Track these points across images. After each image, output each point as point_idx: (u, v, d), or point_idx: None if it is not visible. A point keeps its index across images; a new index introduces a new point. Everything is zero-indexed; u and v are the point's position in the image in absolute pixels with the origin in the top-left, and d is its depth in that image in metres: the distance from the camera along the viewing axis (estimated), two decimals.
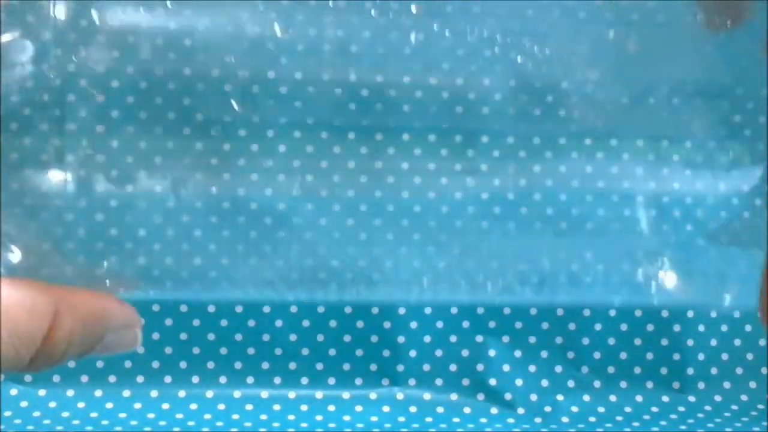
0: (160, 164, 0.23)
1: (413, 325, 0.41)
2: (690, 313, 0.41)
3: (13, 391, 0.40)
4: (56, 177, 0.22)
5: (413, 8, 0.24)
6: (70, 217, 0.22)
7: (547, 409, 0.40)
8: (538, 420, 0.40)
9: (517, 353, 0.41)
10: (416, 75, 0.24)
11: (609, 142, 0.24)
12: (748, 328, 0.41)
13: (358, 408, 0.40)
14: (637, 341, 0.41)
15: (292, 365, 0.41)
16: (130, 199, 0.23)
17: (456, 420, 0.40)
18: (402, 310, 0.41)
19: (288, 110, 0.23)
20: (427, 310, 0.42)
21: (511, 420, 0.40)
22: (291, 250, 0.24)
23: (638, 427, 0.39)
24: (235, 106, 0.23)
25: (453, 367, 0.41)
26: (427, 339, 0.41)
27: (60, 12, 0.22)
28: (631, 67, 0.25)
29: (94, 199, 0.23)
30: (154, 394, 0.41)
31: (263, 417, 0.40)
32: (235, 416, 0.40)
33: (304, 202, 0.24)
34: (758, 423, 0.39)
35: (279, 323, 0.41)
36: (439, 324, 0.41)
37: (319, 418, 0.40)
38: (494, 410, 0.40)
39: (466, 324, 0.41)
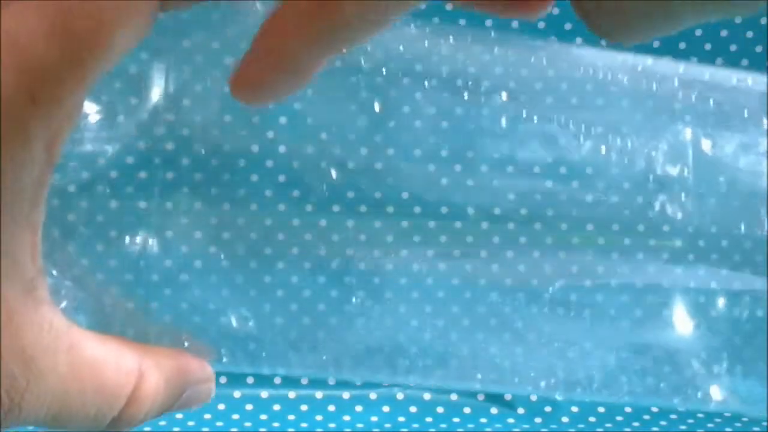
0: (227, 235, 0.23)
1: (413, 323, 0.41)
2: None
3: None
4: (139, 240, 0.22)
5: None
6: (155, 279, 0.23)
7: (547, 409, 0.40)
8: (538, 420, 0.40)
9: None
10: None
11: (648, 242, 0.24)
12: (747, 327, 0.41)
13: (358, 408, 0.40)
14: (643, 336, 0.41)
15: None
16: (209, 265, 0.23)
17: (456, 420, 0.40)
18: (402, 309, 0.41)
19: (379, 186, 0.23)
20: (428, 309, 0.41)
21: (511, 420, 0.40)
22: (347, 335, 0.24)
23: (638, 427, 0.39)
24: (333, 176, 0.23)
25: None
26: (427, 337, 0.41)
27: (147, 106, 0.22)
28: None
29: (178, 262, 0.23)
30: None
31: (263, 417, 0.40)
32: (235, 416, 0.40)
33: (357, 290, 0.24)
34: (758, 423, 0.39)
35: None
36: (440, 322, 0.41)
37: (319, 418, 0.40)
38: (494, 410, 0.40)
39: (466, 322, 0.41)
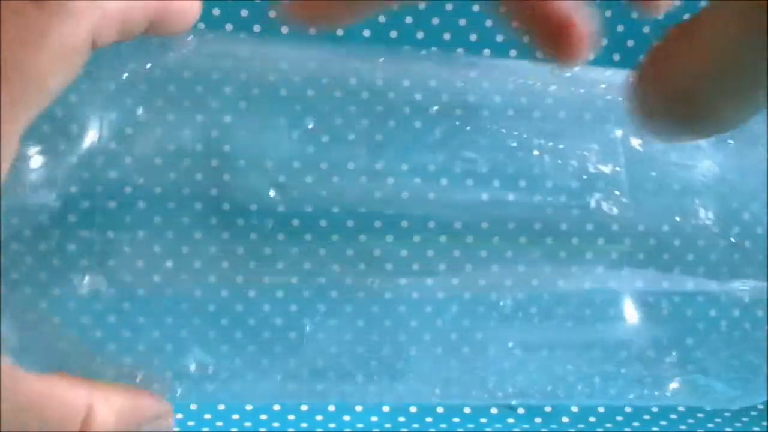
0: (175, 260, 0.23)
1: (413, 323, 0.41)
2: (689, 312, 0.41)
3: None
4: (84, 271, 0.22)
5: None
6: (99, 307, 0.23)
7: (547, 409, 0.40)
8: (538, 420, 0.40)
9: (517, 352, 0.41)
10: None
11: (595, 243, 0.24)
12: (747, 326, 0.41)
13: (358, 408, 0.40)
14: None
15: None
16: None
17: (456, 420, 0.40)
18: (402, 309, 0.41)
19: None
20: (428, 309, 0.41)
21: (511, 420, 0.40)
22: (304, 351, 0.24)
23: (638, 427, 0.39)
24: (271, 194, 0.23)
25: None
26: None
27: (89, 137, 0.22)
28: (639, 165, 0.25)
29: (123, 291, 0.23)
30: None
31: (263, 417, 0.40)
32: (235, 416, 0.40)
33: (317, 302, 0.24)
34: (758, 423, 0.39)
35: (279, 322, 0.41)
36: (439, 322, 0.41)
37: (319, 418, 0.40)
38: (494, 410, 0.40)
39: (466, 322, 0.41)
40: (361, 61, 0.24)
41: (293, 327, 0.24)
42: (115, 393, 0.22)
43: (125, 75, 0.23)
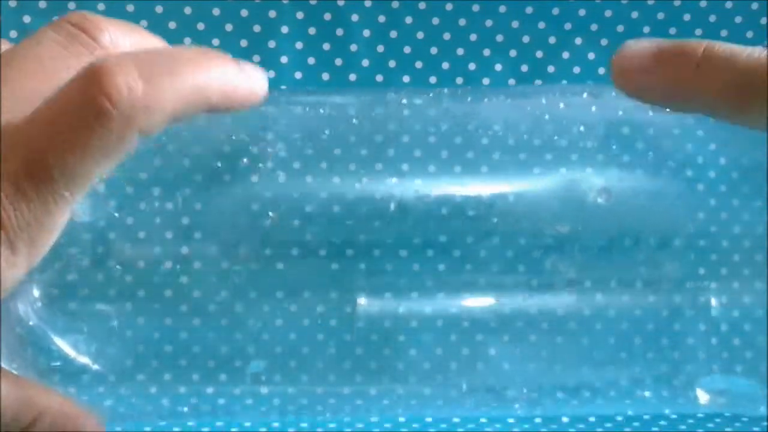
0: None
1: (413, 324, 0.41)
2: (689, 312, 0.41)
3: None
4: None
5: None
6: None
7: None
8: (538, 420, 0.40)
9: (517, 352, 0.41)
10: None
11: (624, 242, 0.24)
12: (747, 326, 0.41)
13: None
14: (638, 341, 0.41)
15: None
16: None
17: (456, 420, 0.40)
18: (402, 310, 0.41)
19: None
20: (427, 310, 0.41)
21: (511, 420, 0.40)
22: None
23: (638, 427, 0.39)
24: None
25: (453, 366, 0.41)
26: (427, 338, 0.41)
27: None
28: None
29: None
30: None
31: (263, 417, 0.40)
32: None
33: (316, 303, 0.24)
34: (758, 423, 0.39)
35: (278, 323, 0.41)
36: (439, 323, 0.41)
37: (319, 418, 0.40)
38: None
39: (466, 324, 0.41)
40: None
41: (293, 328, 0.24)
42: (61, 409, 0.24)
43: None
